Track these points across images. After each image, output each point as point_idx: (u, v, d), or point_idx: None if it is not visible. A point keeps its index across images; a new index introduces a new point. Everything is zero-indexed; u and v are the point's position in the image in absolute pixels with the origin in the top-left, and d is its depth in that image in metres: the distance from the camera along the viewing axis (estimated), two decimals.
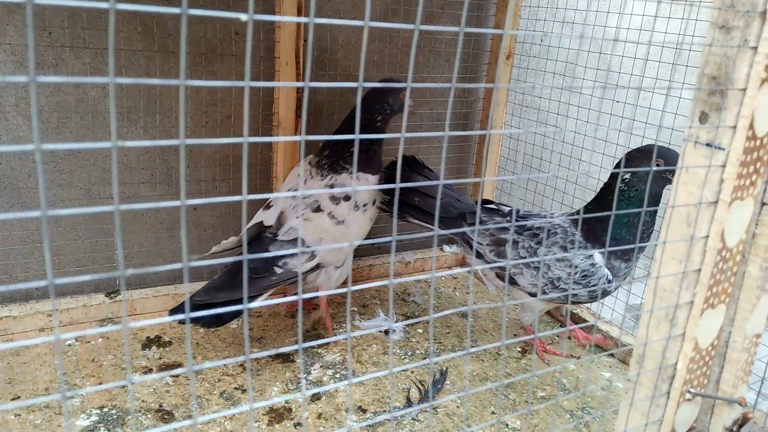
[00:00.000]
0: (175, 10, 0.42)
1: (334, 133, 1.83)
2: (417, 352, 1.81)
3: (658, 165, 1.46)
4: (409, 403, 1.59)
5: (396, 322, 1.94)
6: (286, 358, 1.73)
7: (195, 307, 1.55)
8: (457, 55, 0.65)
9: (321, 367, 1.70)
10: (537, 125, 2.22)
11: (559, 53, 2.02)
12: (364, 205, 1.78)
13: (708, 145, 0.69)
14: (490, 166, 2.28)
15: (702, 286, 0.73)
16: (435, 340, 1.88)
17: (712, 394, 0.79)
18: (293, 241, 1.66)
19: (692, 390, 0.78)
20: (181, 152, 0.43)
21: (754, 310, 0.77)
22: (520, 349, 1.88)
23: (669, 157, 1.46)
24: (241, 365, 1.68)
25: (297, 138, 0.47)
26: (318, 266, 1.72)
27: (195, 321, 1.57)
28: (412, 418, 1.53)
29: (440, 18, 2.13)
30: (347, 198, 1.72)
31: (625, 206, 1.53)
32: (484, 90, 2.22)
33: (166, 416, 1.47)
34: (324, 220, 1.71)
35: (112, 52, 0.40)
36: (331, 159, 1.76)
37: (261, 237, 1.70)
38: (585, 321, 2.00)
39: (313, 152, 1.81)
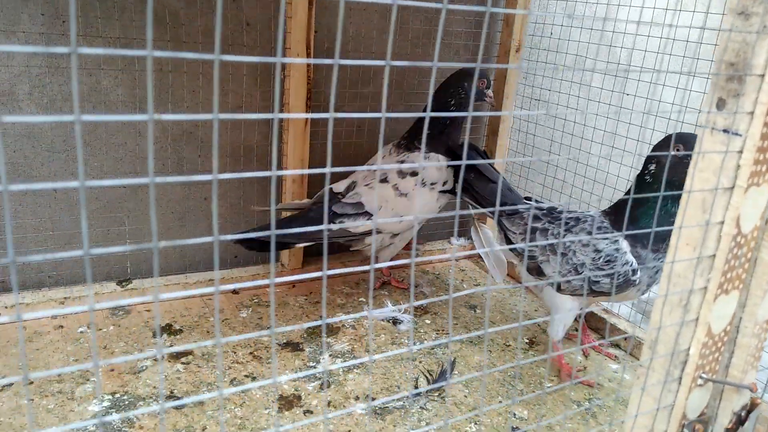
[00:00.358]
0: None
1: (417, 119, 1.95)
2: (425, 342, 1.82)
3: (678, 150, 1.45)
4: (417, 392, 1.60)
5: (404, 312, 1.96)
6: (295, 347, 1.74)
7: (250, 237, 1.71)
8: (483, 32, 0.66)
9: (330, 356, 1.71)
10: (547, 117, 2.22)
11: (569, 46, 2.02)
12: (432, 184, 1.89)
13: (725, 131, 0.69)
14: (497, 159, 2.28)
15: (716, 272, 0.74)
16: (442, 331, 1.89)
17: (724, 380, 0.80)
18: (355, 205, 1.83)
19: (704, 375, 0.79)
20: (214, 125, 0.44)
21: (765, 296, 0.77)
22: (528, 341, 1.89)
23: (689, 141, 1.45)
24: (251, 353, 1.69)
25: (327, 115, 0.48)
26: (372, 232, 1.84)
27: (245, 243, 1.75)
28: (420, 407, 1.54)
29: (450, 11, 2.13)
30: (414, 173, 1.86)
31: (653, 199, 1.52)
32: (494, 83, 2.23)
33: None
34: (387, 190, 1.85)
35: (151, 23, 0.41)
36: (408, 140, 1.91)
37: (329, 196, 1.86)
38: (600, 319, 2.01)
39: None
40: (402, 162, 1.88)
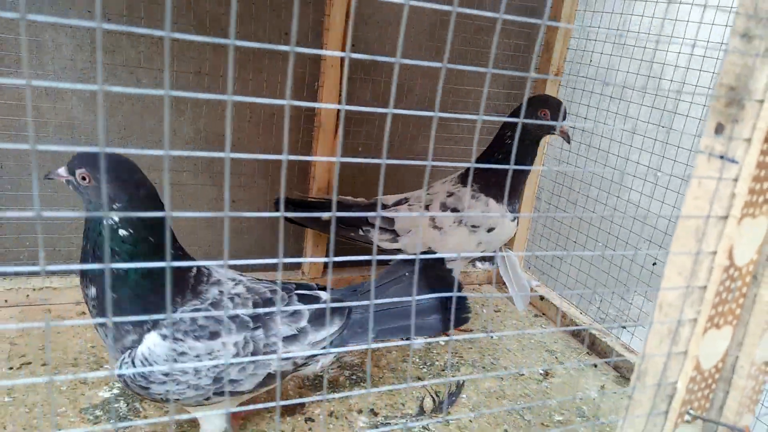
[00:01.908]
0: None
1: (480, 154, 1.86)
2: (436, 363, 1.80)
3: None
4: (421, 411, 1.58)
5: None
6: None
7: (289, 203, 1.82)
8: (537, 46, 0.67)
9: (339, 367, 1.71)
10: (586, 147, 2.18)
11: (608, 75, 1.99)
12: (474, 227, 1.76)
13: (721, 157, 0.67)
14: (526, 200, 2.22)
15: (707, 304, 0.71)
16: (456, 353, 1.86)
17: (713, 419, 0.76)
18: (387, 220, 1.79)
19: (692, 412, 0.75)
20: (229, 116, 0.45)
21: (763, 336, 0.74)
22: (542, 372, 1.84)
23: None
24: None
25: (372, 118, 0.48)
26: (400, 251, 1.80)
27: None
28: (423, 427, 1.52)
29: (489, 31, 2.13)
30: (456, 210, 1.77)
31: None
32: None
33: None
34: (424, 218, 1.78)
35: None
36: (465, 173, 1.83)
37: (374, 203, 1.84)
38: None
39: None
40: (451, 194, 1.80)
